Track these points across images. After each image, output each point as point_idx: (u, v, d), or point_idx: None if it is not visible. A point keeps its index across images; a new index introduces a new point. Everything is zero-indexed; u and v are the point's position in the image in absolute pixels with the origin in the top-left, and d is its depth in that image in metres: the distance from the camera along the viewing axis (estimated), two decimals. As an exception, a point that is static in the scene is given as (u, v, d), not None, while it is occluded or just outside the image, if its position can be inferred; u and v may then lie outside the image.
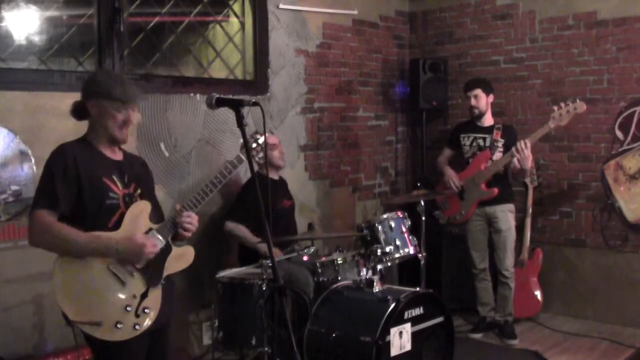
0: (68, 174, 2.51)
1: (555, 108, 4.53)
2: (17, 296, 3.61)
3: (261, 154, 2.91)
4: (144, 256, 2.56)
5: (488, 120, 4.91)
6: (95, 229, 2.53)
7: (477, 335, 4.94)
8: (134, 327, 2.54)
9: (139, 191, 2.70)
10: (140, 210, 2.66)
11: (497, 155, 4.78)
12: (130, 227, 2.60)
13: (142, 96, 2.73)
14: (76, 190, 2.52)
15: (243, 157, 2.80)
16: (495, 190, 4.76)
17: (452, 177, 4.95)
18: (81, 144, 2.64)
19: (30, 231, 2.53)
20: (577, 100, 4.51)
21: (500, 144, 4.79)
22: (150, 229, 2.66)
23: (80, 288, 2.49)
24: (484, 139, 4.86)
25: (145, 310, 2.58)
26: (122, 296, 2.54)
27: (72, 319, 2.48)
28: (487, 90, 4.88)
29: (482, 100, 4.84)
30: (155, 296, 2.63)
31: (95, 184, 2.55)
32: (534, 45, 5.57)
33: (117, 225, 2.58)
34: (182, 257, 2.76)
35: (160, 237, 2.66)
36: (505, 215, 4.83)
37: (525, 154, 4.51)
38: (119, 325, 2.50)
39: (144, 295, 2.58)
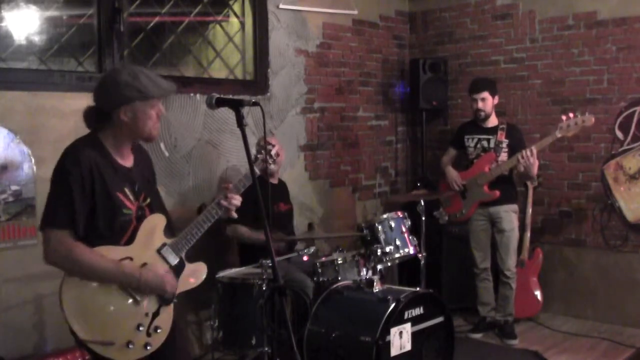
0: (85, 190, 2.37)
1: (564, 118, 4.48)
2: (17, 296, 3.61)
3: (272, 165, 2.88)
4: (162, 291, 2.50)
5: (492, 121, 4.87)
6: (107, 244, 2.43)
7: (477, 335, 4.94)
8: (145, 347, 2.45)
9: (148, 200, 2.59)
10: (154, 225, 2.56)
11: (503, 156, 4.76)
12: (144, 243, 2.51)
13: (174, 86, 2.61)
14: (91, 207, 2.40)
15: (257, 170, 2.75)
16: (497, 193, 4.75)
17: (454, 178, 4.95)
18: (93, 145, 2.47)
19: (48, 251, 2.38)
20: (587, 114, 4.49)
21: (504, 145, 4.77)
22: (164, 244, 2.57)
23: (91, 306, 2.39)
24: (489, 140, 4.83)
25: (158, 330, 2.49)
26: (134, 314, 2.45)
27: (82, 338, 2.36)
28: (494, 92, 4.84)
29: (489, 103, 4.80)
30: (167, 314, 2.55)
31: (109, 200, 2.42)
32: (534, 45, 5.57)
33: (129, 241, 2.49)
34: (194, 274, 2.69)
35: (174, 253, 2.58)
36: (509, 215, 4.82)
37: (530, 161, 4.50)
38: (130, 346, 2.40)
39: (155, 314, 2.50)
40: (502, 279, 4.87)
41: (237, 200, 2.71)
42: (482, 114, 4.81)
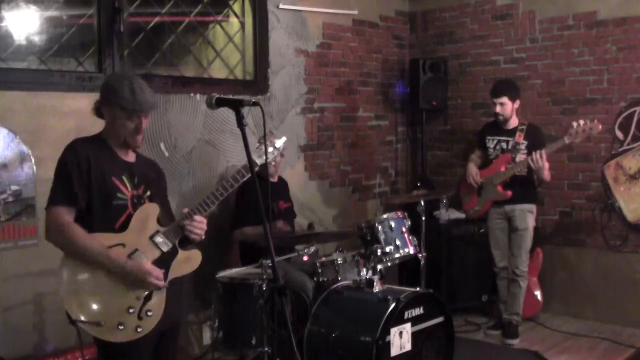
0: (82, 170, 2.52)
1: (574, 124, 4.47)
2: (17, 296, 3.61)
3: (278, 158, 2.90)
4: (145, 284, 2.55)
5: (513, 122, 4.84)
6: (102, 229, 2.54)
7: (496, 332, 4.96)
8: (136, 329, 2.53)
9: (148, 193, 2.70)
10: (148, 212, 2.65)
11: (520, 157, 4.74)
12: (137, 229, 2.60)
13: (154, 104, 2.69)
14: (87, 187, 2.54)
15: (257, 162, 2.80)
16: (509, 193, 4.76)
17: (473, 174, 4.96)
18: (95, 141, 2.65)
19: (47, 228, 2.54)
20: (595, 121, 4.48)
21: (523, 147, 4.74)
22: (157, 232, 2.65)
23: (84, 287, 2.50)
24: (507, 142, 4.82)
25: (149, 313, 2.57)
26: (125, 297, 2.54)
27: (73, 318, 2.48)
28: (514, 97, 4.80)
29: (508, 108, 4.78)
30: (159, 299, 2.61)
31: (104, 183, 2.56)
32: (534, 45, 5.57)
33: (123, 227, 2.58)
34: (188, 261, 2.74)
35: (167, 240, 2.65)
36: (524, 214, 4.81)
37: (539, 164, 4.53)
38: (120, 327, 2.50)
39: (147, 298, 2.58)
40: (512, 276, 4.88)
41: (199, 225, 2.71)
42: (501, 117, 4.82)
